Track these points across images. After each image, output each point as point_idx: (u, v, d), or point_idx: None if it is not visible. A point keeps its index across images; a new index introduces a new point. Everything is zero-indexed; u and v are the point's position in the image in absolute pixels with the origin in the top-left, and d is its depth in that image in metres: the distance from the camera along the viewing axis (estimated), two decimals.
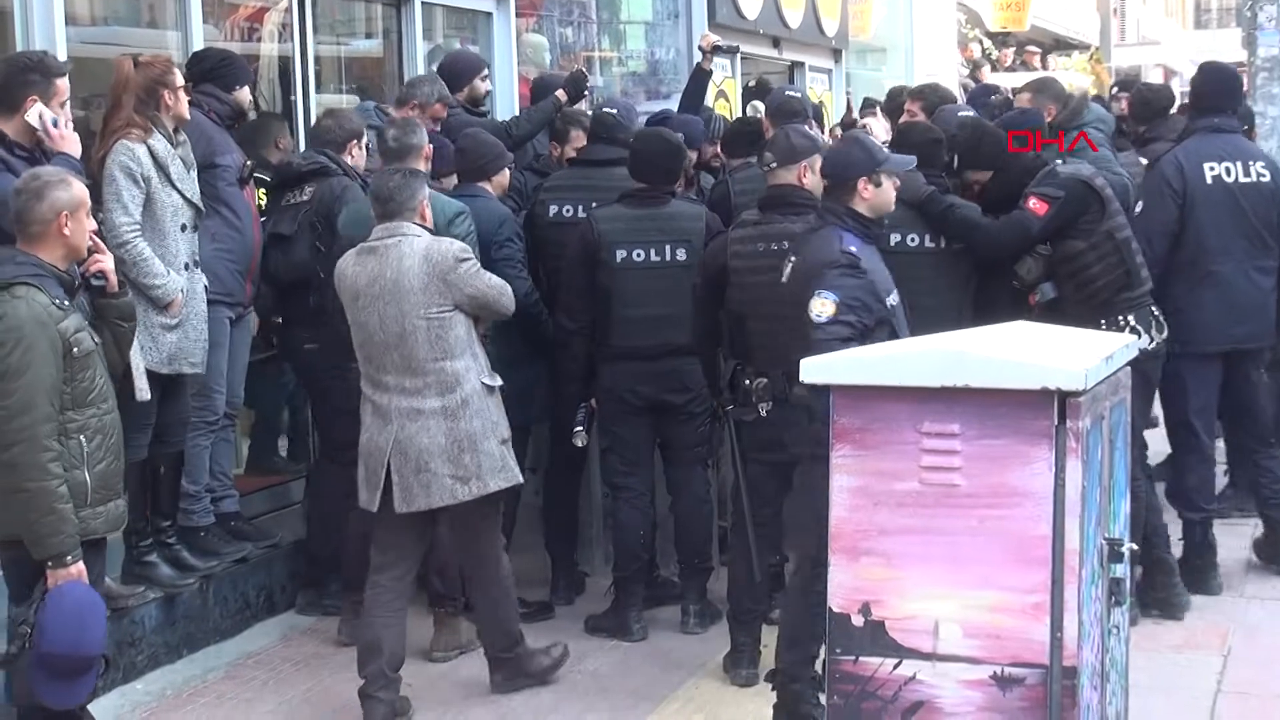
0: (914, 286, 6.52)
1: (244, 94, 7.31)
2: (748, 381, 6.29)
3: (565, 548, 7.71)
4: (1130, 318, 6.90)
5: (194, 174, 6.71)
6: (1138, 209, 7.51)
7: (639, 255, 6.98)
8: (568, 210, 7.48)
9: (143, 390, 6.10)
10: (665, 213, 7.04)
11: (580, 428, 7.09)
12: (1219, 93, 7.86)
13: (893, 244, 6.69)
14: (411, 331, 6.02)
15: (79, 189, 5.15)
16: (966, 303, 6.84)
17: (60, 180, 5.10)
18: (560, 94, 8.26)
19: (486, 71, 8.75)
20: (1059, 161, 7.08)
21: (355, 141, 7.52)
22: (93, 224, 5.24)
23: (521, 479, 6.44)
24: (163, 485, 6.84)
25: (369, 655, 6.14)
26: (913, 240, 6.83)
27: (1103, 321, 6.72)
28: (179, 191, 6.55)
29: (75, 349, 4.99)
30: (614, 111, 7.89)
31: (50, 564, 4.97)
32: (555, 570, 7.65)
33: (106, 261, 5.20)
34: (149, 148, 6.44)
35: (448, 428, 6.05)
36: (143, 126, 6.45)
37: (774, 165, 6.37)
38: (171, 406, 6.71)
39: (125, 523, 5.35)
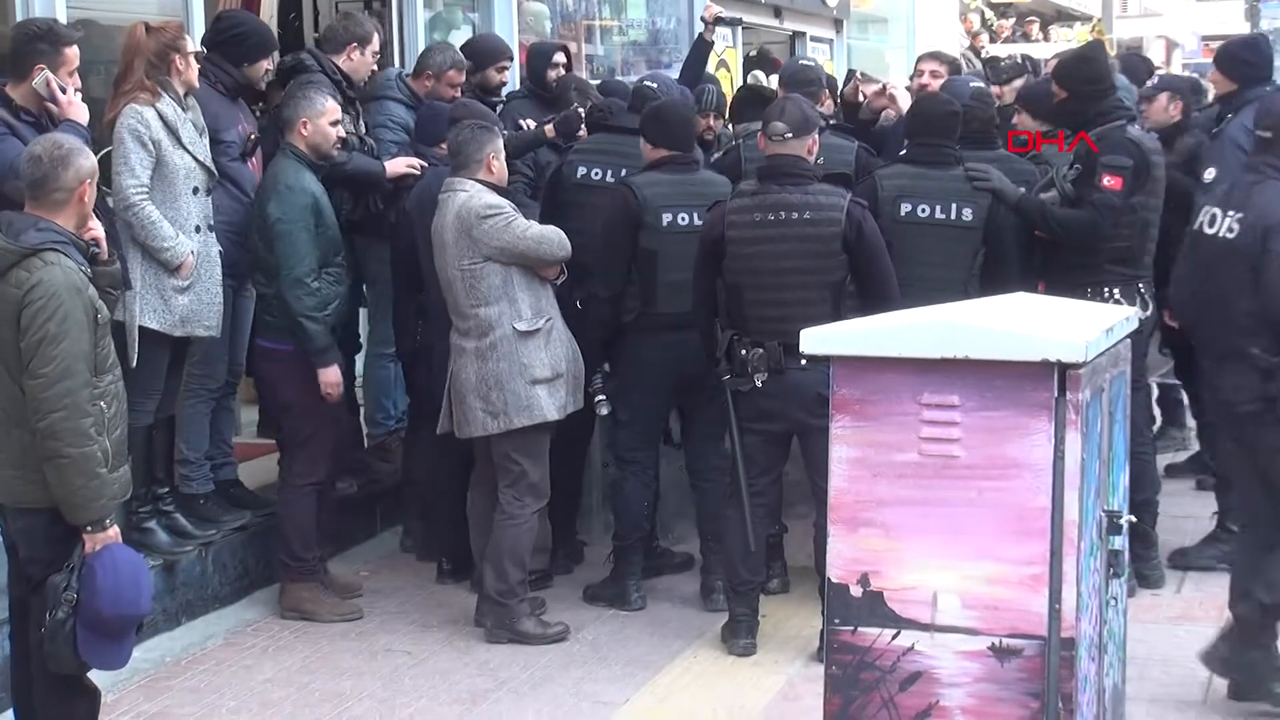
0: (923, 258, 6.56)
1: (256, 69, 7.21)
2: (744, 352, 6.29)
3: (566, 517, 7.67)
4: (1115, 291, 6.89)
5: (205, 138, 6.72)
6: (1209, 176, 7.39)
7: (684, 219, 6.81)
8: (596, 173, 7.38)
9: (132, 357, 6.32)
10: (700, 179, 6.95)
11: (603, 397, 6.97)
12: (1268, 61, 7.87)
13: (903, 214, 6.71)
14: (452, 280, 6.62)
15: (93, 158, 5.16)
16: (973, 275, 6.81)
17: (81, 148, 5.09)
18: (549, 130, 8.01)
19: (506, 64, 8.61)
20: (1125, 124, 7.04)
21: (355, 45, 7.65)
22: (95, 192, 5.24)
23: (550, 417, 6.64)
24: (158, 450, 6.86)
25: (477, 549, 6.95)
26: (923, 211, 6.83)
27: (1088, 289, 6.74)
28: (191, 154, 6.56)
29: (99, 315, 5.00)
30: (654, 85, 7.89)
31: (90, 528, 4.97)
32: (555, 539, 7.64)
33: (99, 229, 5.21)
34: (158, 111, 6.46)
35: (477, 367, 6.59)
36: (152, 90, 6.46)
37: (789, 136, 6.33)
38: (175, 372, 6.76)
39: (131, 490, 5.36)
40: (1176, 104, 8.42)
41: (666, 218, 6.81)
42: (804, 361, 5.83)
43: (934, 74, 8.89)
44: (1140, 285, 7.03)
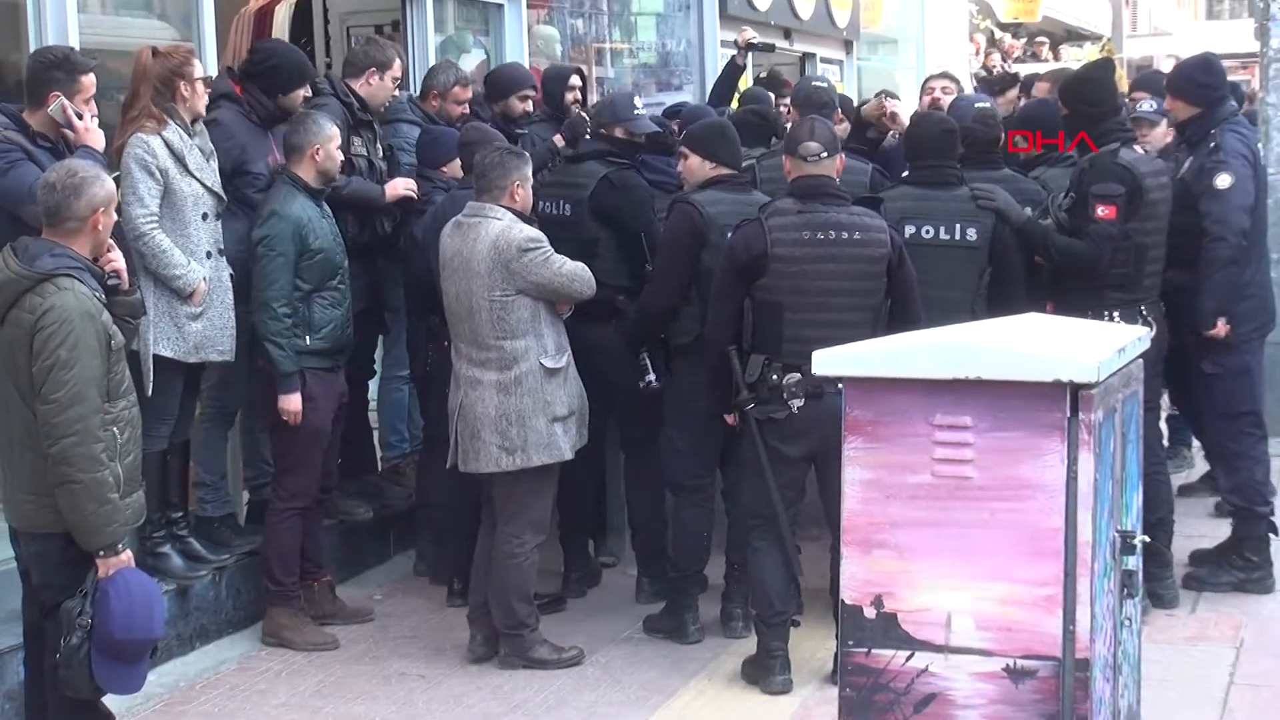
0: (927, 279, 6.46)
1: (293, 98, 7.19)
2: (775, 377, 6.12)
3: (580, 537, 7.59)
4: (1115, 314, 6.84)
5: (214, 163, 6.73)
6: (1223, 183, 7.24)
7: None
8: (545, 207, 7.15)
9: (148, 385, 6.34)
10: (754, 200, 6.65)
11: (651, 375, 6.88)
12: (1224, 77, 7.76)
13: (907, 236, 6.62)
14: (477, 310, 6.43)
15: (110, 185, 5.17)
16: (980, 295, 6.77)
17: (96, 176, 5.11)
18: (558, 139, 7.85)
19: (529, 92, 8.56)
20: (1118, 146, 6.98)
21: (375, 70, 7.67)
22: (113, 218, 5.25)
23: (567, 456, 6.58)
24: (172, 475, 6.86)
25: (478, 588, 6.75)
26: (927, 232, 6.76)
27: (1089, 312, 6.69)
28: (198, 180, 6.58)
29: (113, 341, 5.02)
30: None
31: (102, 553, 4.97)
32: (568, 560, 7.57)
33: (119, 260, 5.23)
34: (164, 139, 6.48)
35: (499, 401, 6.43)
36: (158, 118, 6.48)
37: (824, 156, 6.22)
38: (189, 398, 6.76)
39: (145, 515, 5.38)
40: (1170, 128, 8.36)
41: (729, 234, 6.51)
42: (841, 386, 5.75)
43: (945, 90, 8.86)
44: (1142, 307, 6.98)
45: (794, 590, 6.42)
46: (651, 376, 6.94)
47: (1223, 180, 7.29)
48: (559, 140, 7.80)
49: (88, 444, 4.91)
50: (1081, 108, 7.11)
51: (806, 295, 6.10)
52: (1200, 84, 7.59)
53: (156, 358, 6.47)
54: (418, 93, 8.54)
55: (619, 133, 7.43)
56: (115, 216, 5.25)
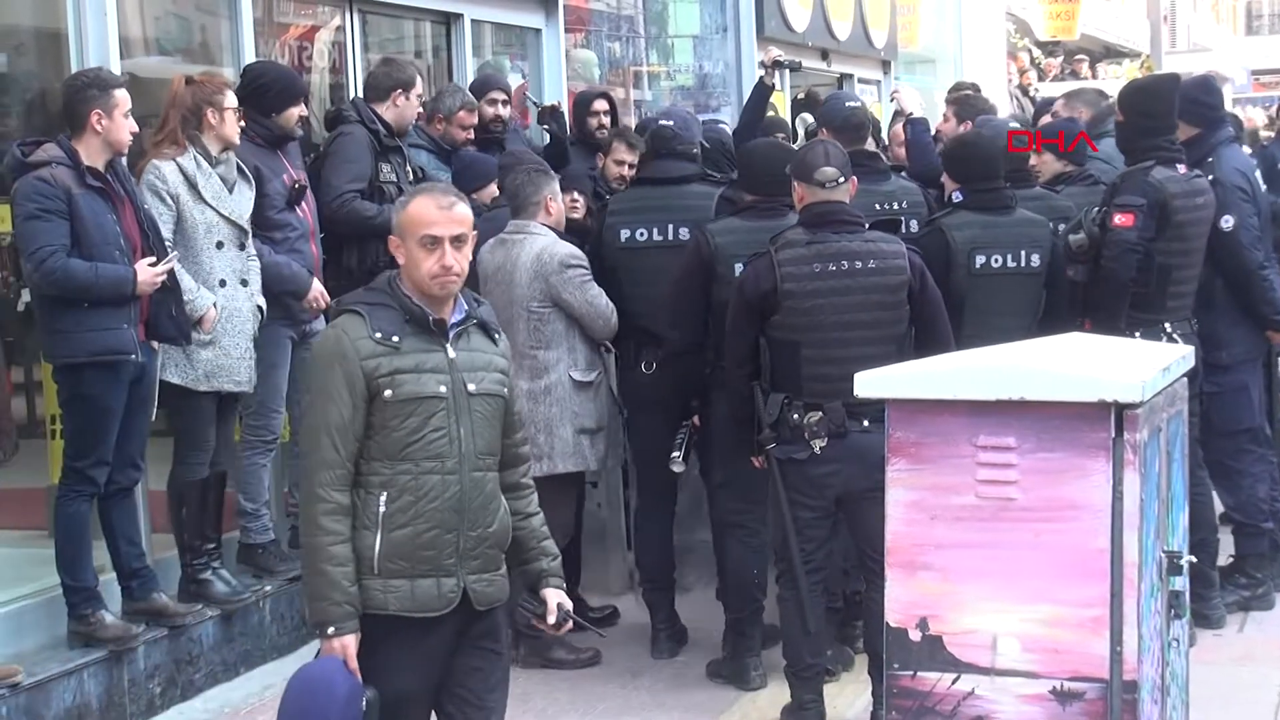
0: (997, 308, 6.39)
1: (287, 117, 7.08)
2: (795, 416, 5.86)
3: (664, 595, 7.19)
4: (1137, 334, 6.78)
5: (239, 193, 6.66)
6: (1228, 224, 7.26)
7: None
8: (641, 234, 6.98)
9: (152, 410, 6.32)
10: (784, 225, 6.24)
11: (678, 453, 6.71)
12: (1222, 100, 7.81)
13: (978, 266, 6.50)
14: (516, 318, 6.67)
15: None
16: (1037, 320, 6.56)
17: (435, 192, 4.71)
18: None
19: (496, 96, 8.56)
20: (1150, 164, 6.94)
21: (400, 91, 7.63)
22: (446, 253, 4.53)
23: (592, 466, 6.83)
24: (210, 504, 6.81)
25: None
26: (996, 261, 6.53)
27: (1111, 330, 6.64)
28: (213, 209, 6.51)
29: (388, 391, 4.27)
30: (671, 124, 7.27)
31: (318, 631, 4.31)
32: (655, 621, 7.18)
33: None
34: (178, 165, 6.44)
35: (528, 409, 6.51)
36: (180, 144, 6.47)
37: (841, 181, 5.92)
38: (222, 427, 6.73)
39: (443, 607, 4.39)
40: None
41: (740, 268, 6.27)
42: (866, 423, 5.63)
43: (944, 116, 8.77)
44: (1166, 325, 6.92)
45: (824, 639, 6.17)
46: (678, 454, 6.73)
47: (1227, 221, 7.29)
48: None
49: (310, 503, 4.28)
50: (1138, 119, 7.08)
51: (824, 330, 5.81)
52: (1202, 103, 7.55)
53: (172, 386, 6.43)
54: (425, 119, 8.54)
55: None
56: (460, 250, 4.53)
